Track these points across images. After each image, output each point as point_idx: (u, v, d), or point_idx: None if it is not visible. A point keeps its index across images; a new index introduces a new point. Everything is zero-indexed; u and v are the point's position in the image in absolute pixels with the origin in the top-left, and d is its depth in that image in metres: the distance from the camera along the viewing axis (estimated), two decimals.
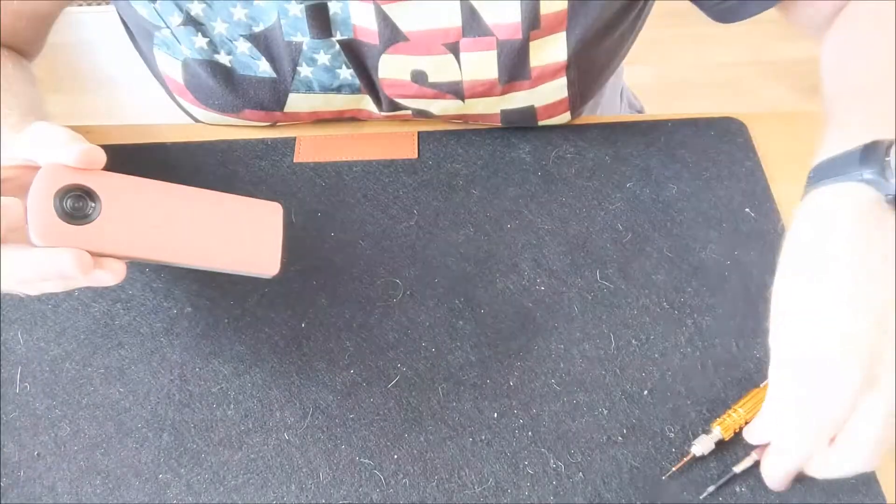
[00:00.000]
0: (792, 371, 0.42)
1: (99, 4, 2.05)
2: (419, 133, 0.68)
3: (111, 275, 0.45)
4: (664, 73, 1.88)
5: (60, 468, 0.50)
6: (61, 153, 0.44)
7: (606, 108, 0.84)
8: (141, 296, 0.58)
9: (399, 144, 0.67)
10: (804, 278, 0.43)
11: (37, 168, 0.45)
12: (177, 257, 0.46)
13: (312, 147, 0.68)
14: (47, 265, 0.43)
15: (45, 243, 0.42)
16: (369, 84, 0.64)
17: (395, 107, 0.66)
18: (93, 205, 0.44)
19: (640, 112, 0.93)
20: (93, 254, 0.44)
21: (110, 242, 0.44)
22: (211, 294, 0.58)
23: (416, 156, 0.66)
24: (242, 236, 0.47)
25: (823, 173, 0.46)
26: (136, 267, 0.59)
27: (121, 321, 0.57)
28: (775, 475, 0.45)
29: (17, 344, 0.56)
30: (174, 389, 0.53)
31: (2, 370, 0.55)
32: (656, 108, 0.87)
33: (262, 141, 0.68)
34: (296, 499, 0.49)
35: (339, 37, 0.60)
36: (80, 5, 2.06)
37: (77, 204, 0.43)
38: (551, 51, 0.60)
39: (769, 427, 0.45)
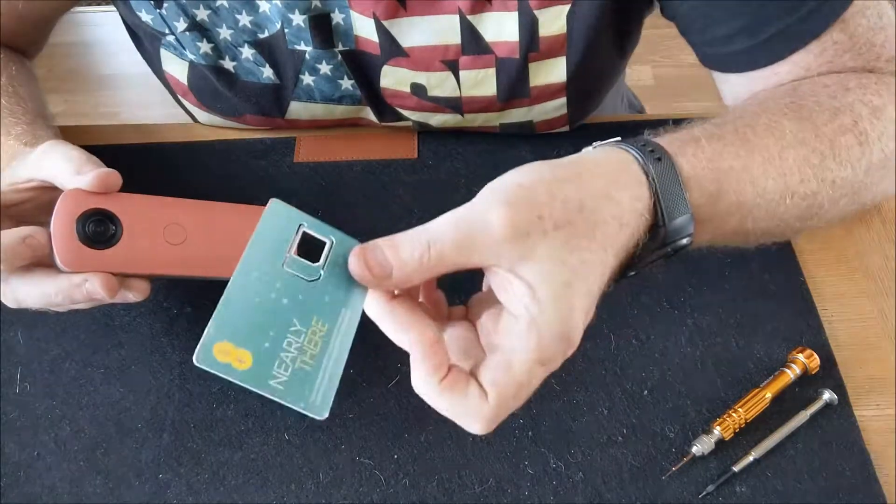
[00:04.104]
0: None
1: (99, 4, 2.05)
2: (419, 133, 0.68)
3: (137, 293, 0.46)
4: (664, 73, 1.88)
5: (60, 468, 0.50)
6: (78, 179, 0.45)
7: (606, 108, 0.84)
8: None
9: (399, 144, 0.67)
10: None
11: (53, 188, 0.46)
12: (198, 272, 0.48)
13: (312, 147, 0.67)
14: (76, 291, 0.44)
15: (71, 269, 0.43)
16: (370, 95, 0.64)
17: (395, 117, 0.66)
18: (114, 227, 0.45)
19: (640, 112, 0.93)
20: (117, 275, 0.44)
21: (134, 263, 0.45)
22: (211, 294, 0.57)
23: (416, 156, 0.66)
24: None
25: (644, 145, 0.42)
26: None
27: (121, 321, 0.57)
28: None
29: (17, 344, 0.56)
30: (174, 389, 0.53)
31: (2, 370, 0.55)
32: (656, 108, 0.87)
33: (262, 141, 0.68)
34: (296, 499, 0.49)
35: (341, 47, 0.60)
36: (81, 5, 2.06)
37: (99, 228, 0.44)
38: (551, 72, 0.60)
39: None
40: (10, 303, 0.46)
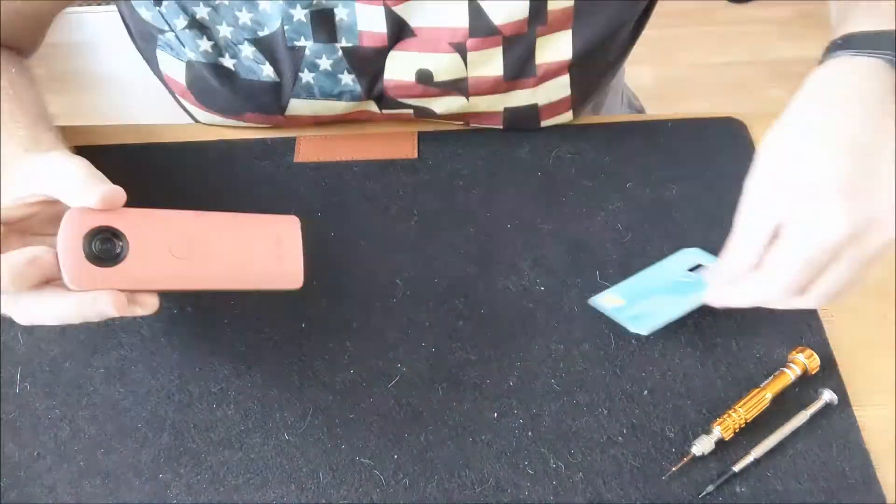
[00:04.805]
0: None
1: (99, 4, 2.05)
2: (419, 133, 0.68)
3: (145, 308, 0.46)
4: (664, 73, 1.88)
5: (60, 468, 0.50)
6: (83, 197, 0.44)
7: (607, 109, 0.84)
8: None
9: (399, 144, 0.67)
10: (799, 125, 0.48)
11: (57, 203, 0.45)
12: (206, 284, 0.47)
13: (312, 147, 0.68)
14: (86, 309, 0.44)
15: (80, 288, 0.44)
16: (370, 90, 0.64)
17: (396, 105, 0.66)
18: (121, 244, 0.44)
19: (640, 112, 0.93)
20: (125, 291, 0.44)
21: (141, 280, 0.45)
22: (211, 294, 0.58)
23: (416, 156, 0.66)
24: (265, 254, 0.49)
25: (848, 45, 0.49)
26: None
27: (121, 321, 0.57)
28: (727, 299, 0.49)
29: (17, 344, 0.56)
30: (174, 389, 0.53)
31: (2, 370, 0.55)
32: (656, 108, 0.87)
33: (262, 141, 0.68)
34: (296, 499, 0.49)
35: (343, 43, 0.60)
36: (80, 5, 2.06)
37: (105, 246, 0.44)
38: (557, 48, 0.61)
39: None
40: (22, 321, 0.46)
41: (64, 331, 0.56)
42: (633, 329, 0.53)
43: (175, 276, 0.46)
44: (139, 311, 0.46)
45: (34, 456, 0.51)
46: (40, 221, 0.47)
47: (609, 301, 0.55)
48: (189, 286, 0.47)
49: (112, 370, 0.54)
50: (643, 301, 0.55)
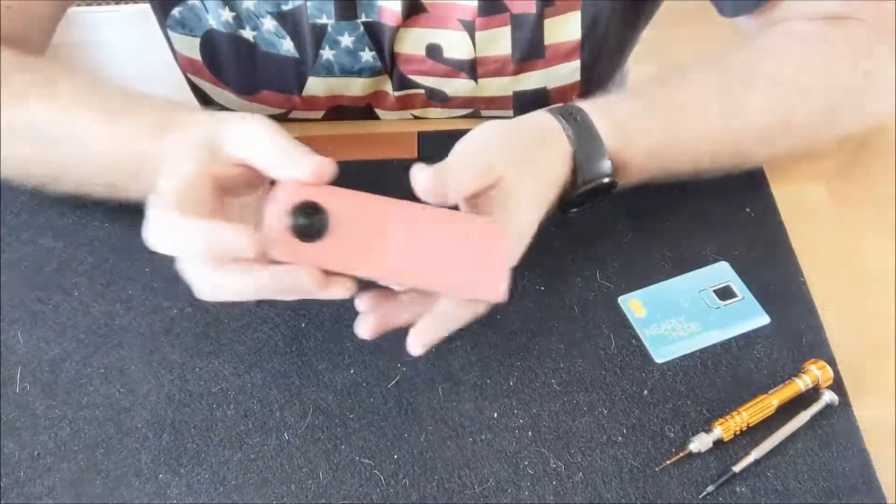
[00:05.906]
0: None
1: (99, 4, 2.06)
2: (419, 133, 0.68)
3: (343, 291, 0.43)
4: None
5: (60, 468, 0.50)
6: (295, 170, 0.42)
7: None
8: (141, 296, 0.58)
9: (399, 144, 0.67)
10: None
11: (252, 168, 0.44)
12: (402, 277, 0.45)
13: (312, 147, 0.67)
14: (287, 281, 0.42)
15: (282, 259, 0.42)
16: (389, 64, 0.65)
17: (410, 84, 0.66)
18: (323, 221, 0.43)
19: None
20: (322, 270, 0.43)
21: (339, 261, 0.43)
22: None
23: (416, 156, 0.66)
24: (468, 258, 0.46)
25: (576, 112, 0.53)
26: (135, 266, 0.59)
27: (121, 321, 0.57)
28: None
29: (17, 344, 0.56)
30: (174, 389, 0.53)
31: (2, 370, 0.55)
32: None
33: None
34: (296, 499, 0.49)
35: (364, 18, 0.60)
36: (80, 5, 2.06)
37: (309, 221, 0.42)
38: (566, 29, 0.61)
39: None
40: (204, 294, 0.43)
41: (64, 331, 0.56)
42: (651, 351, 0.54)
43: (372, 264, 0.44)
44: (334, 294, 0.43)
45: (34, 456, 0.51)
46: (234, 187, 0.45)
47: (634, 307, 0.56)
48: (384, 277, 0.45)
49: (112, 370, 0.54)
50: (666, 319, 0.55)
